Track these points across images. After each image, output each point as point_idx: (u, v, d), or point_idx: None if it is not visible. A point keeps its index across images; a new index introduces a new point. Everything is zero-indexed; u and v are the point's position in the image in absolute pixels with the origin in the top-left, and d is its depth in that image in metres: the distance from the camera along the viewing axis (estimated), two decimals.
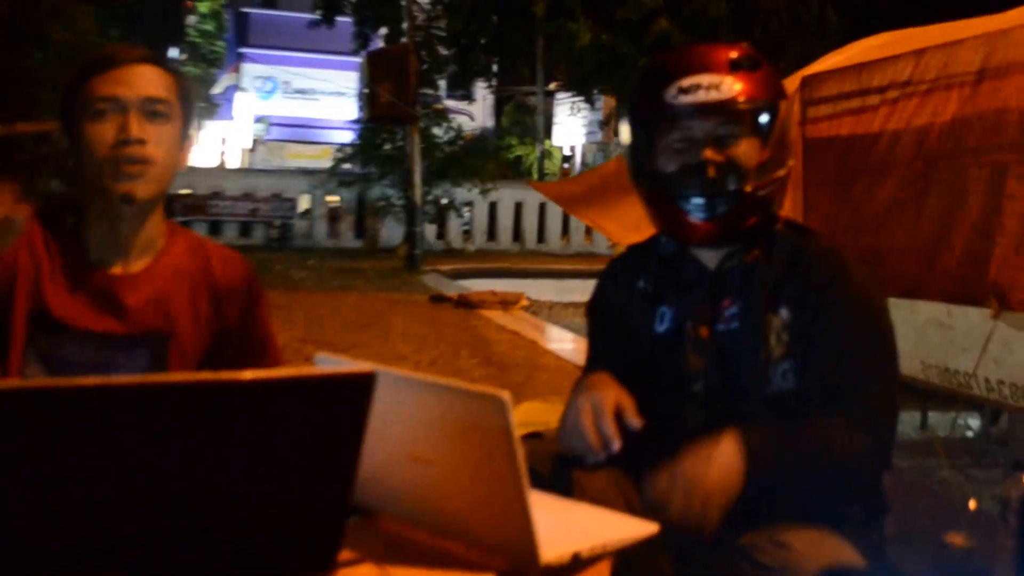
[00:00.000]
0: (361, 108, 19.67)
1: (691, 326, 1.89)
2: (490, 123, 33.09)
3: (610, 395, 1.74)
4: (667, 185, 1.87)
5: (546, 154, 27.91)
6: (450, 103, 23.74)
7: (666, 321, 1.93)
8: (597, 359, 2.02)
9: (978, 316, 3.18)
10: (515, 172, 26.89)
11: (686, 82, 1.81)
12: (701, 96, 1.80)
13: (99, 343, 1.85)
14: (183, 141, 1.91)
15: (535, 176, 26.08)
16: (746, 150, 1.83)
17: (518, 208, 20.26)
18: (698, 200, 1.83)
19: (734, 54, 1.83)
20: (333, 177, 19.08)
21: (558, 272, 15.66)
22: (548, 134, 30.40)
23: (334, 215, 19.72)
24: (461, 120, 22.67)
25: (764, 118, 1.84)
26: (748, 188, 1.82)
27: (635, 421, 1.71)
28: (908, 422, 6.72)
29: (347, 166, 19.49)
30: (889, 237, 3.41)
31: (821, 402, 1.76)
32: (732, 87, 1.80)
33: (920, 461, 5.73)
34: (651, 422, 1.78)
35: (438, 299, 11.51)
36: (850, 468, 1.74)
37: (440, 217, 19.54)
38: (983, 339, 3.26)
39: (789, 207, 3.88)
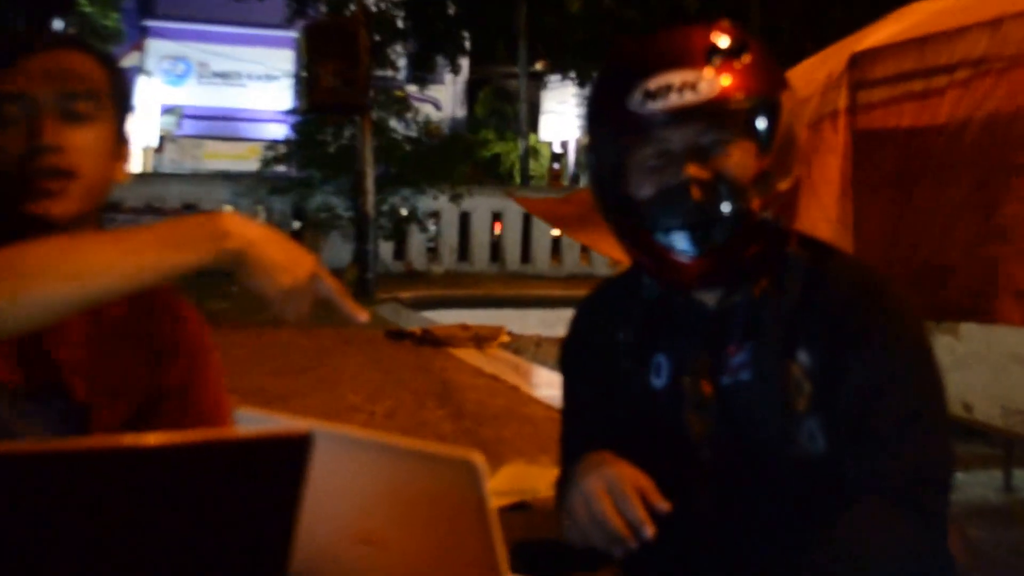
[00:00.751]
0: (298, 95, 19.70)
1: (690, 381, 1.86)
2: (461, 113, 33.19)
3: (626, 473, 1.69)
4: (643, 216, 1.82)
5: (531, 152, 28.08)
6: (412, 89, 23.77)
7: (662, 374, 1.91)
8: (578, 426, 2.03)
9: None
10: (493, 174, 27.06)
11: (653, 83, 1.75)
12: (674, 100, 1.73)
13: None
14: (118, 146, 1.88)
15: (517, 179, 26.19)
16: (740, 160, 1.78)
17: (497, 220, 20.32)
18: (683, 232, 1.78)
19: (712, 38, 1.78)
20: (263, 183, 19.11)
21: (547, 300, 15.63)
22: (533, 127, 30.57)
23: None
24: (426, 110, 22.72)
25: (760, 117, 1.79)
26: (748, 207, 1.77)
27: (661, 504, 1.65)
28: (987, 483, 6.73)
29: (281, 168, 19.52)
30: (960, 252, 3.42)
31: (853, 471, 1.75)
32: (714, 83, 1.74)
33: (1002, 531, 5.73)
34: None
35: (397, 335, 11.53)
36: (896, 560, 1.71)
37: (399, 232, 19.59)
38: None
39: (837, 217, 3.90)
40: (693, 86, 1.73)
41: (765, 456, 1.82)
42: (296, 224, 19.44)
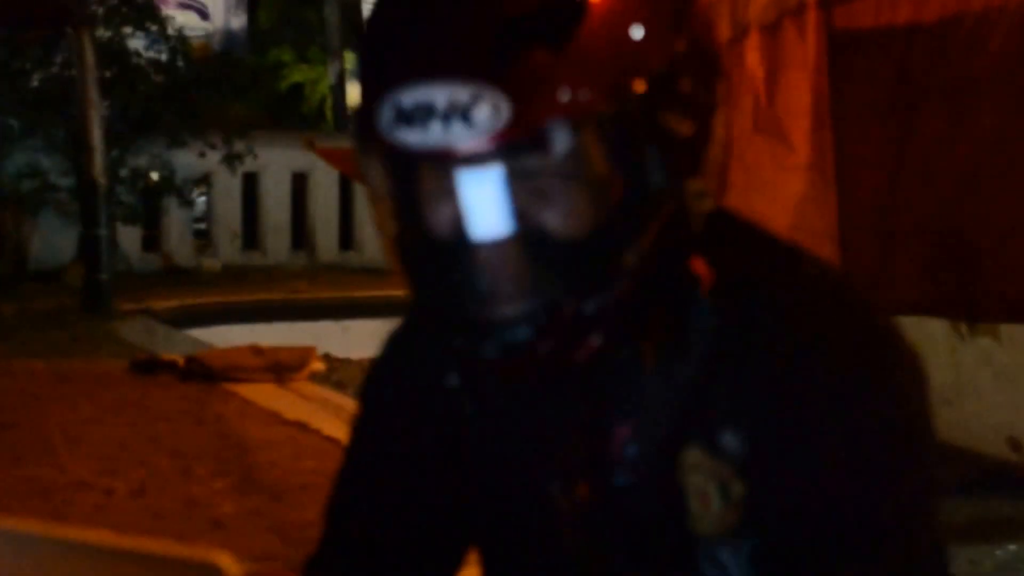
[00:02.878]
0: None
1: (562, 489, 1.87)
2: (239, 23, 33.18)
3: None
4: (418, 280, 1.78)
5: (350, 79, 28.15)
6: None
7: (517, 469, 1.92)
8: (364, 490, 2.08)
9: None
10: (291, 115, 27.07)
11: (406, 97, 1.62)
12: (435, 133, 1.60)
13: None
14: None
15: (330, 121, 26.30)
16: (566, 204, 1.66)
17: (300, 186, 20.39)
18: (467, 335, 1.73)
19: (509, 17, 1.61)
20: None
21: (379, 304, 15.54)
22: (349, 41, 30.63)
23: None
24: (184, 19, 22.69)
25: (599, 136, 1.64)
26: (596, 273, 1.68)
27: None
28: None
29: None
30: (995, 217, 3.48)
31: None
32: (500, 107, 1.58)
33: None
34: None
35: (148, 366, 11.54)
36: None
37: (149, 209, 19.54)
38: None
39: (811, 162, 3.95)
40: (469, 113, 1.59)
41: None
42: None
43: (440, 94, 1.58)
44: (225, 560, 1.24)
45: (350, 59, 28.20)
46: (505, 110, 1.57)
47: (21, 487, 7.35)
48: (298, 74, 29.35)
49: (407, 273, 1.76)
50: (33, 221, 18.72)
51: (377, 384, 2.10)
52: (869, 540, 1.72)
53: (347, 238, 20.74)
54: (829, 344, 1.75)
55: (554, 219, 1.65)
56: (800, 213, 3.99)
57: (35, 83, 18.24)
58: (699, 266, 1.78)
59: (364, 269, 19.65)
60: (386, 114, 1.62)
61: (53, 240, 18.54)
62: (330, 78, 27.12)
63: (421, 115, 1.59)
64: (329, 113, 26.87)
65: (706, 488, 1.77)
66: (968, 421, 3.80)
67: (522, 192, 1.63)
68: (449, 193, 1.64)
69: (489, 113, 1.57)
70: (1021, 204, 3.40)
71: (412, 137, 1.60)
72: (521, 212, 1.63)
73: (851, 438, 1.72)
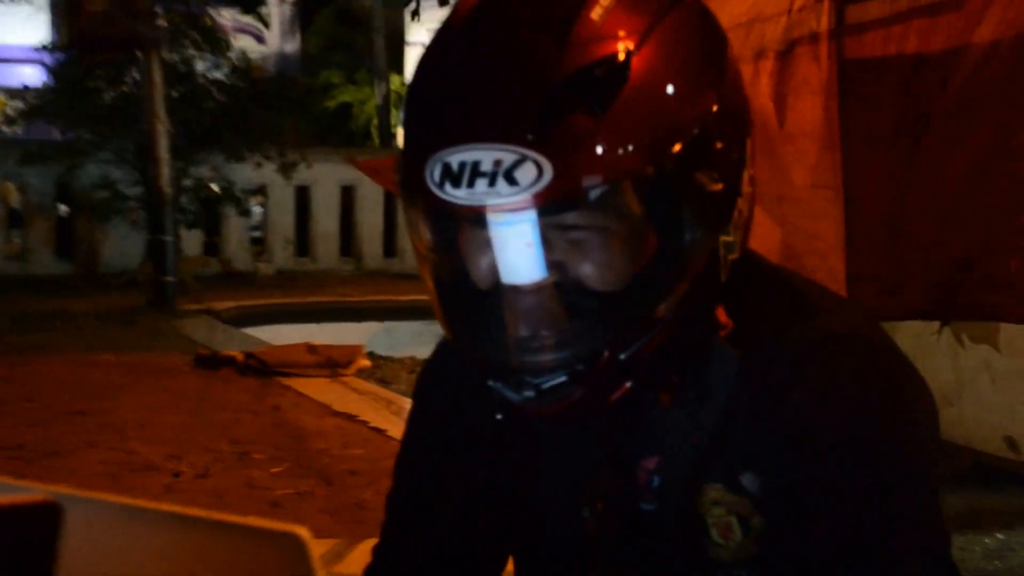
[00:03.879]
0: (56, 26, 19.53)
1: (590, 512, 1.87)
2: (293, 47, 33.13)
3: None
4: (458, 325, 1.78)
5: (395, 100, 28.04)
6: (226, 15, 23.64)
7: (552, 489, 1.92)
8: (414, 531, 2.06)
9: None
10: (341, 132, 27.00)
11: (455, 158, 1.59)
12: (480, 192, 1.58)
13: None
14: None
15: (376, 139, 26.23)
16: (602, 258, 1.66)
17: (347, 196, 20.34)
18: (505, 379, 1.71)
19: (556, 81, 1.59)
20: (11, 148, 18.91)
21: (422, 307, 15.58)
22: (397, 66, 30.58)
23: (16, 215, 19.53)
24: (243, 44, 22.65)
25: (636, 195, 1.64)
26: (613, 348, 1.67)
27: None
28: None
29: (32, 124, 19.32)
30: (991, 228, 3.46)
31: None
32: (542, 170, 1.56)
33: None
34: None
35: (210, 362, 11.52)
36: None
37: (209, 217, 19.50)
38: None
39: (821, 181, 3.94)
40: (511, 172, 1.56)
41: None
42: (63, 208, 19.27)
43: (486, 155, 1.56)
44: (303, 532, 1.24)
45: (395, 81, 28.11)
46: (547, 171, 1.55)
47: (95, 469, 7.34)
48: (346, 95, 29.27)
49: (449, 320, 1.76)
50: (104, 228, 18.70)
51: (430, 387, 2.08)
52: (873, 567, 1.71)
53: (390, 246, 20.67)
54: (839, 394, 1.73)
55: (592, 272, 1.64)
56: (808, 228, 3.99)
57: (107, 100, 18.19)
58: (721, 314, 1.77)
59: (405, 275, 19.53)
60: (434, 172, 1.59)
61: (122, 245, 18.52)
62: (376, 99, 27.02)
63: (466, 174, 1.57)
64: (375, 132, 26.77)
65: (728, 520, 1.77)
66: (967, 421, 3.78)
67: (560, 245, 1.63)
68: (491, 246, 1.62)
69: (532, 173, 1.55)
70: (1004, 219, 3.40)
71: (458, 194, 1.58)
72: (559, 265, 1.63)
73: (861, 479, 1.71)
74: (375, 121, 27.04)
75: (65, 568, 1.20)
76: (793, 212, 3.91)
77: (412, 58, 33.00)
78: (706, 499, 1.77)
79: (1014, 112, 3.37)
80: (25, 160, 18.67)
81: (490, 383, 1.72)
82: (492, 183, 1.55)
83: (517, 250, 1.61)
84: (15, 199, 19.50)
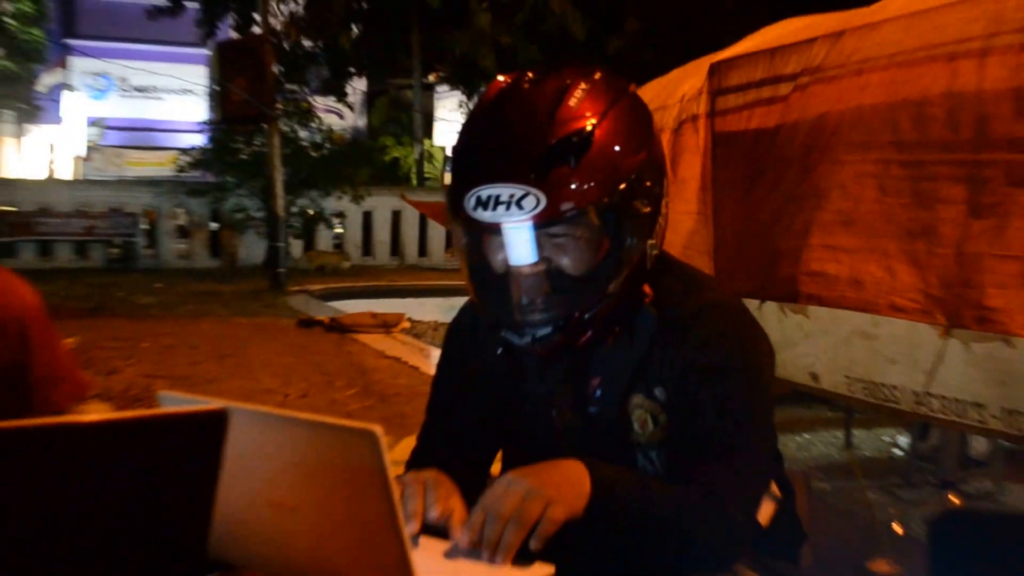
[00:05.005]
0: (212, 108, 19.41)
1: (557, 413, 1.90)
2: (362, 122, 32.94)
3: (433, 482, 1.73)
4: (484, 297, 1.83)
5: (426, 156, 27.94)
6: (318, 99, 23.52)
7: (533, 400, 1.93)
8: (442, 414, 2.05)
9: (905, 325, 3.24)
10: (392, 177, 26.85)
11: (484, 192, 1.69)
12: (501, 214, 1.68)
13: None
14: None
15: (414, 181, 26.07)
16: (577, 257, 1.74)
17: (396, 218, 20.27)
18: (513, 330, 1.78)
19: (548, 143, 1.70)
20: (181, 187, 18.80)
21: (443, 289, 15.55)
22: (428, 133, 30.41)
23: (184, 231, 19.43)
24: (329, 119, 22.52)
25: (599, 214, 1.71)
26: (585, 297, 1.74)
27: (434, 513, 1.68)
28: (831, 442, 6.92)
29: (197, 174, 19.23)
30: (792, 239, 3.46)
31: (681, 483, 1.75)
32: (539, 200, 1.67)
33: (843, 483, 5.89)
34: None
35: (307, 323, 11.45)
36: (699, 545, 1.70)
37: (308, 230, 19.41)
38: (910, 349, 3.35)
39: (699, 210, 3.94)
40: (521, 202, 1.67)
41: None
42: (213, 225, 19.18)
43: (504, 190, 1.68)
44: (377, 427, 1.25)
45: (427, 144, 27.97)
46: (542, 201, 1.66)
47: (235, 393, 7.30)
48: (395, 152, 29.01)
49: (476, 293, 1.84)
50: (240, 237, 18.59)
51: (455, 335, 2.08)
52: (731, 451, 1.76)
53: (423, 249, 20.54)
54: (712, 342, 1.80)
55: (567, 263, 1.74)
56: (691, 239, 4.01)
57: (243, 156, 18.10)
58: (646, 288, 1.83)
59: (433, 268, 19.47)
60: (470, 201, 1.70)
61: (251, 249, 18.41)
62: (414, 155, 26.90)
63: (491, 203, 1.68)
64: (414, 176, 26.58)
65: (645, 417, 1.82)
66: (787, 363, 3.76)
67: (548, 246, 1.73)
68: (505, 246, 1.72)
69: (532, 202, 1.66)
70: (802, 235, 3.41)
71: (485, 215, 1.69)
72: (547, 259, 1.73)
73: (721, 399, 1.77)
74: (414, 169, 26.83)
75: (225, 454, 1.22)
76: (684, 228, 3.92)
77: (438, 128, 32.82)
78: (631, 404, 1.82)
79: (806, 170, 3.38)
80: (190, 194, 18.61)
81: (501, 332, 1.78)
82: (508, 208, 1.67)
83: (521, 249, 1.70)
84: (183, 219, 19.40)
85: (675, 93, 4.17)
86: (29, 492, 1.09)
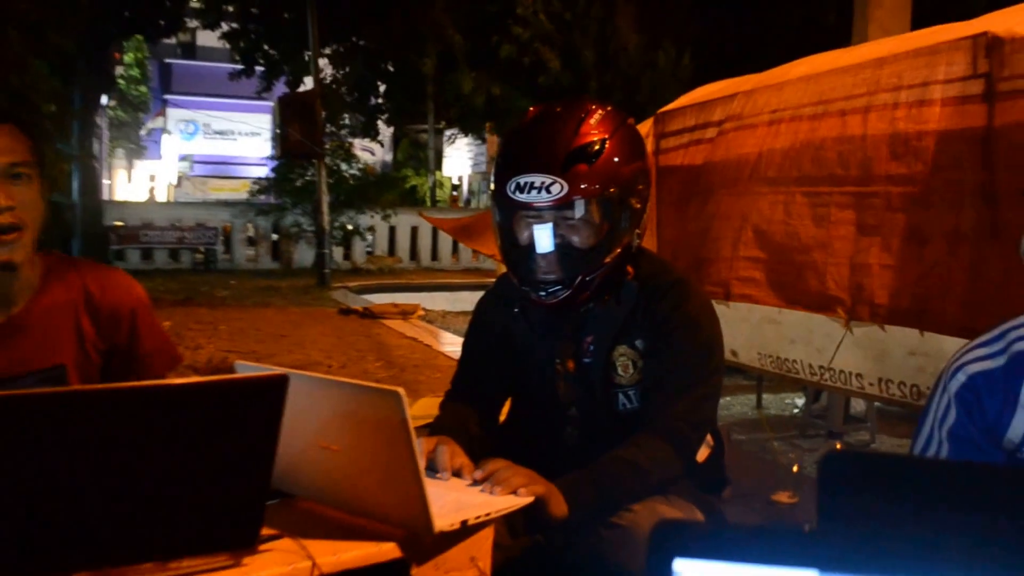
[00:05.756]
0: (274, 146, 19.31)
1: (559, 363, 1.90)
2: (389, 157, 32.90)
3: (450, 448, 1.69)
4: (512, 261, 1.85)
5: (437, 183, 27.90)
6: (356, 140, 23.44)
7: (542, 354, 1.92)
8: (470, 369, 2.03)
9: (802, 315, 3.25)
10: (411, 200, 26.79)
11: (522, 179, 1.73)
12: (533, 196, 1.72)
13: None
14: (44, 198, 1.70)
15: (428, 203, 26.04)
16: (584, 234, 1.76)
17: (414, 231, 20.16)
18: (532, 286, 1.81)
19: (575, 144, 1.74)
20: (251, 208, 18.75)
21: (450, 285, 15.69)
22: (439, 166, 30.37)
23: (252, 241, 19.38)
24: (364, 156, 22.48)
25: (605, 202, 1.75)
26: (590, 265, 1.77)
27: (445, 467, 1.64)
28: (745, 403, 6.93)
29: (263, 197, 19.15)
30: (714, 250, 3.45)
31: (645, 417, 1.79)
32: (563, 187, 1.71)
33: (755, 435, 5.91)
34: (536, 438, 1.88)
35: (346, 312, 11.37)
36: (654, 476, 1.72)
37: (346, 240, 19.33)
38: (808, 332, 3.36)
39: (648, 226, 3.94)
40: (548, 188, 1.71)
41: (603, 411, 1.86)
42: (275, 236, 19.11)
43: (537, 179, 1.72)
44: (401, 390, 1.25)
45: (438, 175, 27.90)
46: (565, 188, 1.71)
47: (290, 363, 7.19)
48: (414, 180, 28.93)
49: (506, 258, 1.87)
50: (295, 245, 18.54)
51: (482, 305, 2.08)
52: (689, 386, 1.78)
53: (435, 254, 20.50)
54: (681, 305, 1.82)
55: (578, 239, 1.77)
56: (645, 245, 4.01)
57: (298, 184, 18.02)
58: (629, 267, 1.85)
59: (442, 269, 19.41)
60: (510, 186, 1.74)
61: (303, 255, 18.36)
62: (428, 183, 26.88)
63: (527, 187, 1.72)
64: (428, 200, 26.55)
65: (627, 363, 1.84)
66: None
67: (564, 226, 1.76)
68: (533, 223, 1.76)
69: (557, 188, 1.71)
70: (720, 245, 3.40)
71: (521, 197, 1.73)
72: (562, 235, 1.76)
73: (686, 346, 1.80)
74: (428, 194, 26.81)
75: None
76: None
77: (447, 162, 32.76)
78: (616, 353, 1.83)
79: (730, 196, 3.38)
80: (257, 213, 18.53)
81: (524, 288, 1.82)
82: (539, 192, 1.72)
83: (544, 226, 1.75)
84: (252, 232, 19.35)
85: None
86: (134, 437, 1.09)
